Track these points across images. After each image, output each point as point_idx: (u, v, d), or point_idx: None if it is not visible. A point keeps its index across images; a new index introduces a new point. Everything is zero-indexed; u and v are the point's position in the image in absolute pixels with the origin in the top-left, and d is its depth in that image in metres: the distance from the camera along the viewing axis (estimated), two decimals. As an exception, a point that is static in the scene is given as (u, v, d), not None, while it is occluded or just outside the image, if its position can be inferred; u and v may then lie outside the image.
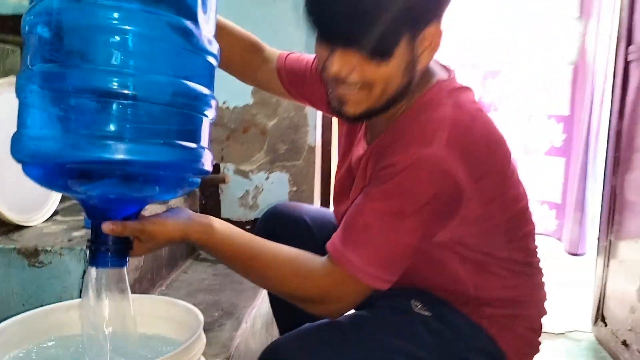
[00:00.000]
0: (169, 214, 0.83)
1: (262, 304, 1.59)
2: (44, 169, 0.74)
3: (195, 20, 0.77)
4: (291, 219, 1.21)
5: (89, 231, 0.80)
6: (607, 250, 1.90)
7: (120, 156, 0.69)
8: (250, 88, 1.95)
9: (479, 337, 0.92)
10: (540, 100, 2.43)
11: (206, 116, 0.80)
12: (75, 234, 1.31)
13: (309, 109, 1.97)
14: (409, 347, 0.88)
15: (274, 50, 1.19)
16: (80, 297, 0.84)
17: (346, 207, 0.93)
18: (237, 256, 0.85)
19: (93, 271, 0.79)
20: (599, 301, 1.94)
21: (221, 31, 0.89)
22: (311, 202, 2.02)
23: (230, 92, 1.95)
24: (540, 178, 2.50)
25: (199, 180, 0.83)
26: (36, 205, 1.41)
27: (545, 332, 1.92)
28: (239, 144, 2.03)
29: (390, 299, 0.93)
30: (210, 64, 0.81)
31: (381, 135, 0.91)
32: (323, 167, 2.10)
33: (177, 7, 0.75)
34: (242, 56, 1.15)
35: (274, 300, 1.29)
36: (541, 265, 1.01)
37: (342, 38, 0.80)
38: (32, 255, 1.21)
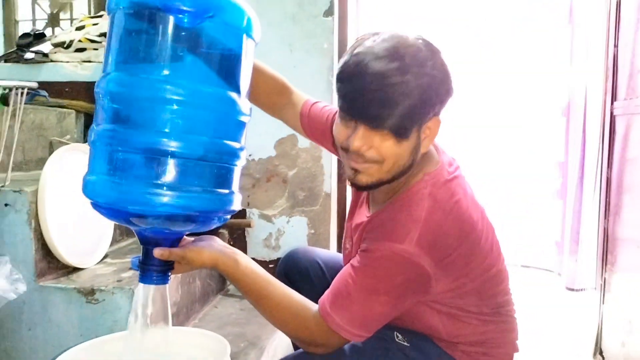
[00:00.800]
0: (205, 243, 1.01)
1: (282, 335, 1.77)
2: (106, 206, 0.91)
3: (237, 89, 0.91)
4: (307, 263, 1.40)
5: (136, 272, 0.99)
6: (602, 287, 2.03)
7: (166, 203, 0.84)
8: (273, 142, 2.20)
9: None
10: (543, 148, 2.63)
11: (237, 166, 0.97)
12: (124, 274, 1.54)
13: (325, 161, 2.20)
14: None
15: (301, 94, 1.29)
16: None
17: (348, 258, 1.12)
18: (252, 291, 1.03)
19: (141, 287, 0.97)
20: (597, 335, 2.06)
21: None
22: (327, 243, 2.22)
23: (255, 145, 2.19)
24: (545, 218, 2.67)
25: (228, 217, 0.99)
26: (90, 250, 1.65)
27: (550, 365, 2.06)
28: (263, 192, 2.26)
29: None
30: (244, 122, 0.95)
31: (377, 211, 1.08)
32: (338, 211, 2.30)
33: (222, 79, 0.89)
34: (268, 95, 1.25)
35: None
36: (514, 309, 1.14)
37: (371, 118, 0.95)
38: (89, 293, 1.44)
